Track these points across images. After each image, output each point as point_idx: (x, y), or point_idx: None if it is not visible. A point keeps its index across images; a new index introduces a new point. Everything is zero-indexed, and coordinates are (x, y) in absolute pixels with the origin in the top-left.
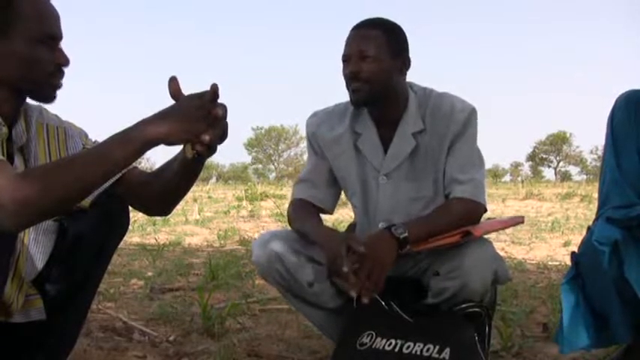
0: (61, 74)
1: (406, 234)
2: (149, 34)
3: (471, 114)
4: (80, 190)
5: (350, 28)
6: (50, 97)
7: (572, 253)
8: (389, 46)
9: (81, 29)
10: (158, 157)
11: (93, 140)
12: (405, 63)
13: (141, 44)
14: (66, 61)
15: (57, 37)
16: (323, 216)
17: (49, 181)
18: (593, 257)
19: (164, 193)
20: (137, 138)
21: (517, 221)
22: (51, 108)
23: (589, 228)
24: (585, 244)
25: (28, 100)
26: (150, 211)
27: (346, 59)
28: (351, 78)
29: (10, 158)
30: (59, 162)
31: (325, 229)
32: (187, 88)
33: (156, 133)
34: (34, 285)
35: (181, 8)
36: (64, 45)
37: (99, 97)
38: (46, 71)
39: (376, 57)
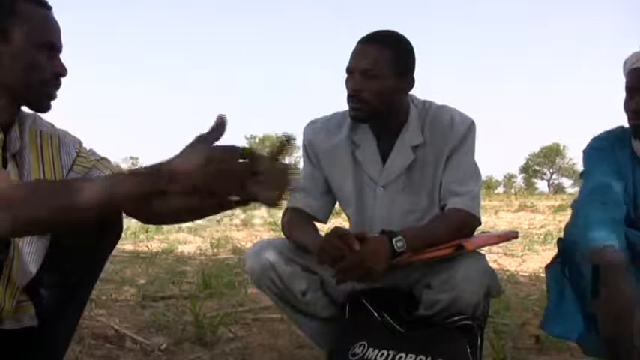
0: (58, 84)
1: (404, 248)
2: (145, 36)
3: (470, 127)
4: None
5: (357, 41)
6: (45, 106)
7: (559, 240)
8: (395, 66)
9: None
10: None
11: (88, 149)
12: (410, 83)
13: (138, 48)
14: (64, 71)
15: (56, 46)
16: (318, 225)
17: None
18: (575, 247)
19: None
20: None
21: (510, 236)
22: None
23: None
24: (571, 232)
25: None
26: (144, 221)
27: (350, 72)
28: (352, 96)
29: (4, 165)
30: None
31: (320, 238)
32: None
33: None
34: (25, 291)
35: (175, 9)
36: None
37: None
38: (43, 78)
39: (380, 77)
